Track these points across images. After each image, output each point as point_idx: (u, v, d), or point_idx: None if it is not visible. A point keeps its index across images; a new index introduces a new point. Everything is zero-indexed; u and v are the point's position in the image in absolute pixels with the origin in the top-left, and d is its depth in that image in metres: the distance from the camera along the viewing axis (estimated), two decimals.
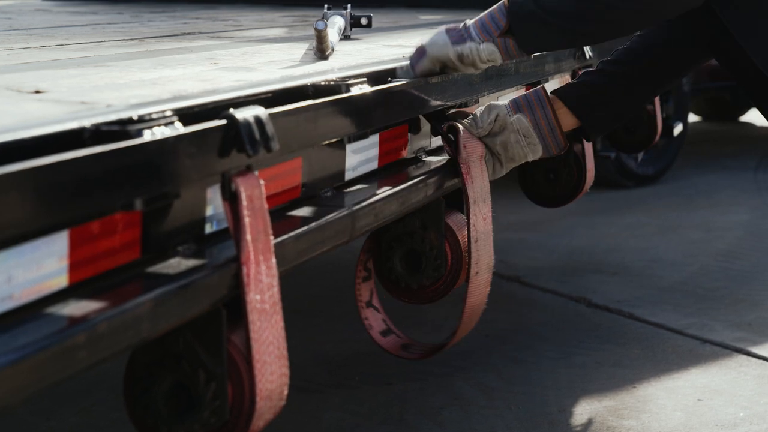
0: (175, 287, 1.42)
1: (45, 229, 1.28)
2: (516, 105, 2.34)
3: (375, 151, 2.13)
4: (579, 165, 3.05)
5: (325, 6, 2.80)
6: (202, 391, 1.54)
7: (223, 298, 1.51)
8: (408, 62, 2.16)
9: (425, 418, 2.99)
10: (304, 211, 1.82)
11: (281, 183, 1.79)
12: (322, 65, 2.17)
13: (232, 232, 1.51)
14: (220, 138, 1.47)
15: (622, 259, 4.59)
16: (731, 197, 5.73)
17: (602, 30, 2.21)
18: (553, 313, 3.92)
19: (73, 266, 1.34)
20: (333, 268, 4.24)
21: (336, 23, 2.68)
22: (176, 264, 1.50)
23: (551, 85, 3.05)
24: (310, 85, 1.85)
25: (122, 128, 1.36)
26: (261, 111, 1.54)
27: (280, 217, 1.75)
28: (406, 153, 2.28)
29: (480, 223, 2.25)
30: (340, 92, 1.84)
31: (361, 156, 2.07)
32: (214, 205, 1.60)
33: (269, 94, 1.72)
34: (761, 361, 3.42)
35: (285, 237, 1.65)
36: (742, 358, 3.45)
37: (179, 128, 1.42)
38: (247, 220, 1.50)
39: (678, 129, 5.28)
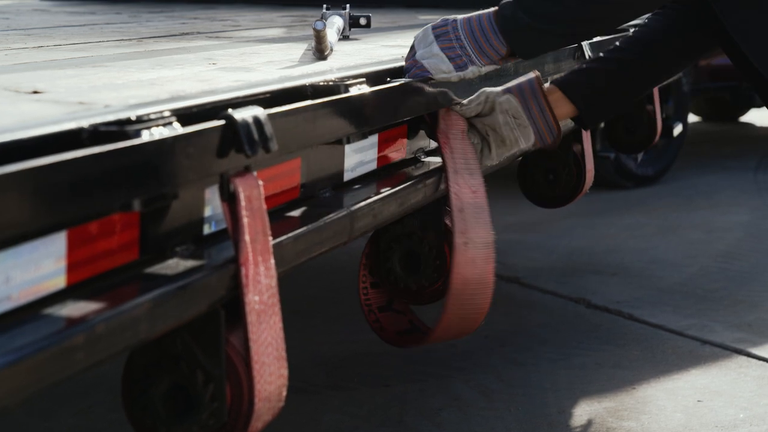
0: (173, 288, 1.42)
1: (43, 229, 1.27)
2: (506, 88, 2.32)
3: (374, 152, 2.12)
4: (578, 165, 3.05)
5: (324, 6, 2.80)
6: (200, 392, 1.54)
7: (222, 299, 1.51)
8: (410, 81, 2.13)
9: (424, 420, 2.98)
10: (302, 212, 1.82)
11: (280, 183, 1.78)
12: (320, 65, 2.16)
13: (231, 233, 1.51)
14: (218, 138, 1.47)
15: (621, 260, 4.59)
16: (731, 198, 5.73)
17: (597, 26, 2.21)
18: (553, 314, 3.92)
19: (72, 267, 1.34)
20: (331, 269, 4.24)
21: (335, 23, 2.67)
22: (174, 265, 1.49)
23: None
24: (309, 85, 1.84)
25: (120, 129, 1.36)
26: (259, 111, 1.53)
27: (278, 217, 1.75)
28: (404, 153, 2.27)
29: (466, 194, 2.19)
30: (339, 93, 1.84)
31: (359, 156, 2.07)
32: (213, 205, 1.60)
33: (268, 95, 1.72)
34: (761, 362, 3.42)
35: (284, 238, 1.65)
36: (742, 359, 3.45)
37: (177, 129, 1.42)
38: (245, 220, 1.50)
39: (678, 129, 5.28)
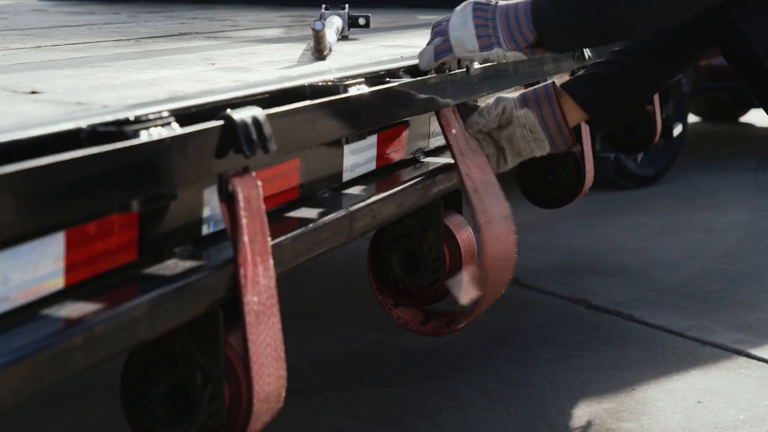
0: (172, 289, 1.41)
1: (41, 230, 1.27)
2: (524, 99, 2.32)
3: (373, 152, 2.12)
4: (578, 166, 3.04)
5: (323, 6, 2.80)
6: (199, 393, 1.54)
7: (220, 299, 1.50)
8: (431, 47, 2.13)
9: (424, 421, 2.98)
10: (301, 213, 1.81)
11: (279, 184, 1.78)
12: (319, 65, 2.16)
13: (230, 234, 1.51)
14: (217, 139, 1.46)
15: (621, 261, 4.59)
16: (731, 198, 5.73)
17: (623, 30, 2.18)
18: (552, 314, 3.91)
19: (70, 268, 1.34)
20: (330, 269, 4.23)
21: (334, 23, 2.67)
22: (173, 265, 1.49)
23: None
24: (308, 85, 1.84)
25: (119, 129, 1.36)
26: (258, 112, 1.53)
27: (277, 218, 1.74)
28: (404, 154, 2.27)
29: (475, 173, 2.20)
30: (338, 93, 1.83)
31: (358, 157, 2.06)
32: (211, 206, 1.60)
33: (267, 95, 1.71)
34: (761, 363, 3.42)
35: (282, 238, 1.65)
36: (742, 360, 3.45)
37: (176, 129, 1.42)
38: (244, 221, 1.50)
39: (677, 129, 5.27)
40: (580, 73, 2.51)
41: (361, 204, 1.92)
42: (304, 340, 3.54)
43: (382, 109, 1.98)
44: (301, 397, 3.08)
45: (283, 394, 1.60)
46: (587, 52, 3.05)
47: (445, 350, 3.45)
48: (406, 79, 2.10)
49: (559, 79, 3.07)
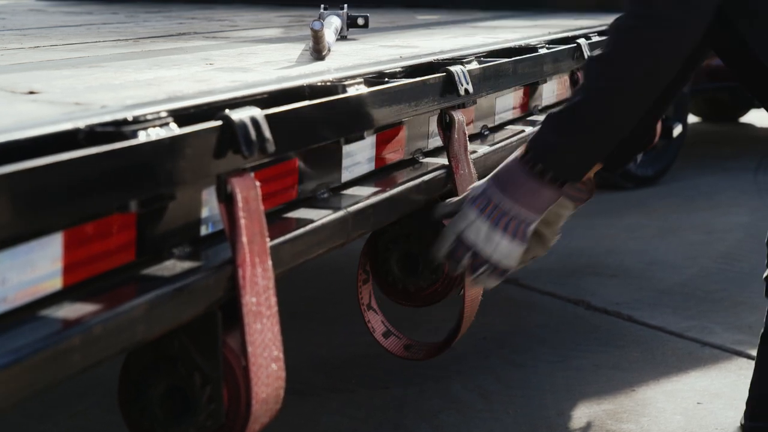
0: (170, 290, 1.41)
1: (39, 230, 1.27)
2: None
3: (372, 153, 2.12)
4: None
5: (322, 6, 2.79)
6: (197, 394, 1.53)
7: (219, 300, 1.50)
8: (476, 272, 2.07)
9: (423, 422, 2.97)
10: (300, 213, 1.81)
11: (277, 184, 1.78)
12: (318, 66, 2.16)
13: (228, 234, 1.50)
14: (215, 139, 1.46)
15: (621, 261, 4.58)
16: (731, 199, 5.72)
17: (625, 117, 2.06)
18: (552, 315, 3.91)
19: (68, 268, 1.33)
20: (329, 270, 4.23)
21: (332, 23, 2.67)
22: (171, 266, 1.49)
23: (549, 86, 3.05)
24: (307, 85, 1.84)
25: (117, 129, 1.35)
26: (257, 112, 1.53)
27: (276, 219, 1.74)
28: (403, 154, 2.27)
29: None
30: (337, 93, 1.83)
31: (357, 157, 2.06)
32: (210, 206, 1.59)
33: (265, 95, 1.71)
34: None
35: (281, 239, 1.64)
36: (742, 360, 3.44)
37: (174, 129, 1.41)
38: (242, 222, 1.49)
39: (677, 130, 5.27)
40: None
41: (360, 204, 1.92)
42: (303, 341, 3.54)
43: (381, 109, 1.97)
44: (300, 398, 3.08)
45: (282, 395, 1.60)
46: (586, 52, 3.05)
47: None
48: (405, 80, 2.10)
49: (560, 79, 3.07)
